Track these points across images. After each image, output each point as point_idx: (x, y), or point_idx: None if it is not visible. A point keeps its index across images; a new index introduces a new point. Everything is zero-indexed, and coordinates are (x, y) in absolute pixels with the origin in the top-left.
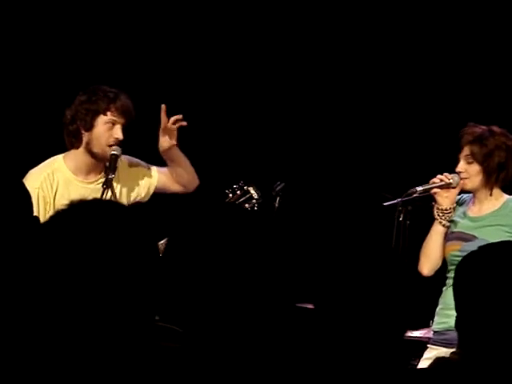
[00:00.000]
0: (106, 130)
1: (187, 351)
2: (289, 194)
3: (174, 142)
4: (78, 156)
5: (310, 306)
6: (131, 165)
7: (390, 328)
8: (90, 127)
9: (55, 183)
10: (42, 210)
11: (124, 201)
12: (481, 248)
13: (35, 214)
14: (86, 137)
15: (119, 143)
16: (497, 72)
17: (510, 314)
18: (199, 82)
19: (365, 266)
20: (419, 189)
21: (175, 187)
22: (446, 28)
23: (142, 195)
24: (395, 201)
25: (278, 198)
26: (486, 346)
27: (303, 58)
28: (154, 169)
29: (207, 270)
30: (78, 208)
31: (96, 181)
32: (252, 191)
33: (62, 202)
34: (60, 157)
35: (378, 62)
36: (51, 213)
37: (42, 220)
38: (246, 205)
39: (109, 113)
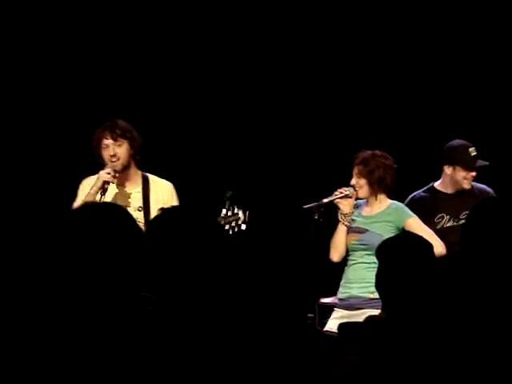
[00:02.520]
0: (104, 151)
1: (160, 313)
2: (237, 200)
3: None
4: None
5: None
6: (168, 192)
7: (308, 296)
8: (100, 155)
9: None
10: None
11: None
12: (398, 237)
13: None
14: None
15: (115, 159)
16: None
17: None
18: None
19: (290, 253)
20: (325, 200)
21: None
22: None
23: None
24: (311, 205)
25: (227, 204)
26: (404, 307)
27: (255, 74)
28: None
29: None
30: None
31: (133, 189)
32: (240, 214)
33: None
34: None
35: (316, 82)
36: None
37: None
38: (233, 223)
39: (99, 138)
